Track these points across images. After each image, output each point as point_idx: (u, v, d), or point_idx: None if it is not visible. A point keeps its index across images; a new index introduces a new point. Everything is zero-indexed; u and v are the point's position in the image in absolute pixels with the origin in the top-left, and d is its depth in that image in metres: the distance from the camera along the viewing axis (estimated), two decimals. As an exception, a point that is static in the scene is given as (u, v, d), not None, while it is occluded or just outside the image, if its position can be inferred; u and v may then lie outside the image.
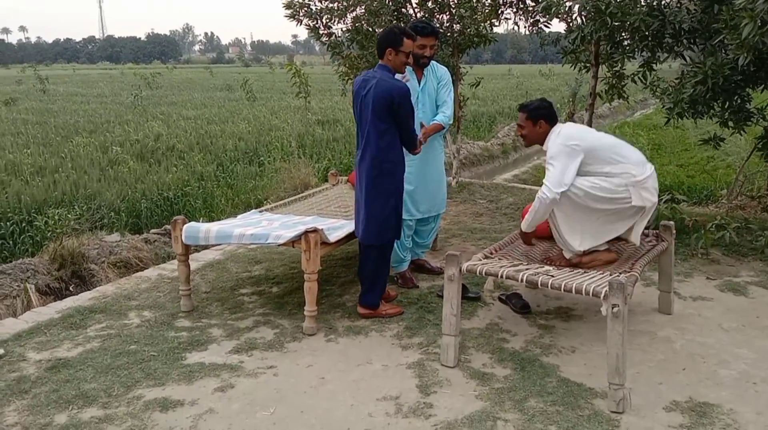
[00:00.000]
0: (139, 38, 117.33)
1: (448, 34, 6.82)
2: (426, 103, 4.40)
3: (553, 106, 3.70)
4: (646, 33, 5.20)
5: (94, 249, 6.24)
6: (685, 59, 5.66)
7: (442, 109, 4.42)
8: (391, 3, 6.57)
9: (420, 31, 4.22)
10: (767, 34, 4.19)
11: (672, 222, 4.01)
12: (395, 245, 4.35)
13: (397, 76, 3.88)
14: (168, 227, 6.93)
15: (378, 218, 3.84)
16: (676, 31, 5.04)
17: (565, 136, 3.47)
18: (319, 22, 6.87)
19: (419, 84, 4.37)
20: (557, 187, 3.35)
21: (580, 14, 5.45)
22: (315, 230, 3.69)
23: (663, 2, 5.35)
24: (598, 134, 3.60)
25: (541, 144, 3.64)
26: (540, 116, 3.58)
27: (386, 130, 3.75)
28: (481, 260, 3.53)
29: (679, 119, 5.22)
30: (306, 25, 6.94)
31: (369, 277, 3.97)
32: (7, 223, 6.96)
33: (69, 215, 6.63)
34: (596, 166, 3.42)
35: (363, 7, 6.62)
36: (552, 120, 3.61)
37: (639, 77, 5.85)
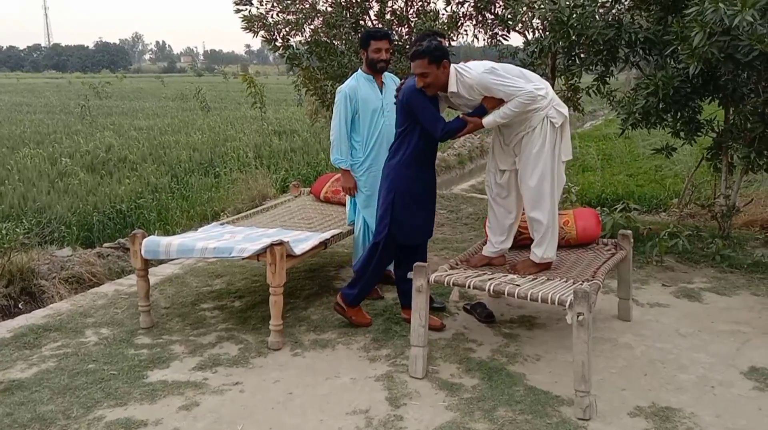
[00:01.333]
0: (87, 47, 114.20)
1: (407, 46, 6.87)
2: (390, 111, 4.31)
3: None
4: (602, 47, 5.35)
5: (45, 264, 6.01)
6: (641, 70, 5.85)
7: None
8: (349, 15, 6.58)
9: (373, 35, 4.31)
10: (716, 44, 4.37)
11: (630, 231, 4.12)
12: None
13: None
14: (122, 240, 6.75)
15: (377, 216, 3.94)
16: (631, 40, 5.20)
17: (471, 67, 3.47)
18: (276, 34, 6.81)
19: (380, 92, 4.37)
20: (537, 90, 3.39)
21: (542, 26, 5.57)
22: (281, 243, 3.65)
23: (617, 17, 5.51)
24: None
25: (444, 89, 3.55)
26: (442, 56, 3.46)
27: (401, 132, 3.80)
28: (447, 270, 3.55)
29: (633, 129, 5.39)
30: (262, 37, 6.88)
31: (357, 271, 4.02)
32: (-49, 238, 6.65)
33: (17, 229, 6.39)
34: None
35: (321, 19, 6.61)
36: (448, 56, 3.51)
37: (593, 90, 6.01)
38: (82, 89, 30.92)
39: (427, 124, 3.63)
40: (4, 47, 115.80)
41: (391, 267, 4.85)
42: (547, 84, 3.58)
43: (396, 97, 3.86)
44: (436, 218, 6.75)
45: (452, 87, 3.52)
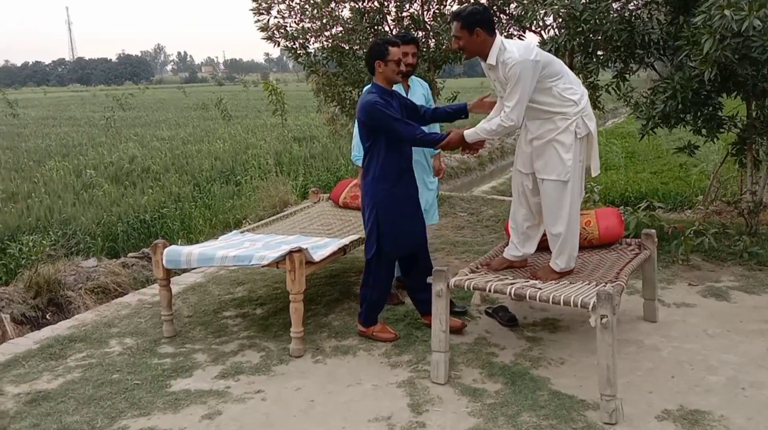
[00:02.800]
0: (110, 59, 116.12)
1: (424, 50, 6.87)
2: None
3: (489, 10, 3.51)
4: (619, 44, 5.28)
5: (71, 275, 6.10)
6: (655, 70, 5.76)
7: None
8: (366, 21, 6.59)
9: (400, 39, 4.28)
10: (728, 48, 4.29)
11: (653, 230, 4.05)
12: None
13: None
14: (146, 250, 6.82)
15: (365, 233, 3.90)
16: (645, 42, 5.13)
17: (520, 47, 3.34)
18: (296, 42, 6.86)
19: (406, 94, 4.40)
20: (519, 119, 3.31)
21: (555, 22, 5.51)
22: (299, 250, 3.65)
23: (633, 13, 5.43)
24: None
25: (483, 58, 3.42)
26: (476, 23, 3.32)
27: (369, 147, 3.77)
28: (467, 274, 3.52)
29: (654, 132, 5.31)
30: (284, 46, 6.93)
31: (362, 291, 3.99)
32: (-20, 251, 6.79)
33: (44, 241, 6.47)
34: (550, 81, 3.34)
35: (339, 25, 6.64)
36: (490, 27, 3.36)
37: (613, 88, 5.92)
38: (105, 101, 31.48)
39: (401, 131, 3.62)
40: (30, 62, 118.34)
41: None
42: (584, 92, 3.46)
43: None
44: (456, 220, 6.77)
45: (491, 59, 3.38)
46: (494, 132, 3.45)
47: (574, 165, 3.41)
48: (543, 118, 3.44)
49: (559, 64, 3.44)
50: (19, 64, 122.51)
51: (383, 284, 3.93)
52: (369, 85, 3.91)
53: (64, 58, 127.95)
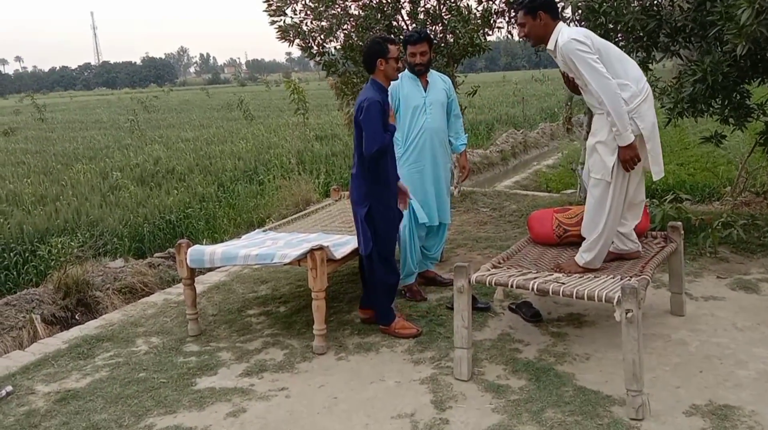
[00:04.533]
0: (135, 63, 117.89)
1: (442, 44, 6.83)
2: (434, 110, 4.42)
3: None
4: (641, 33, 5.19)
5: (99, 276, 6.21)
6: (681, 58, 5.64)
7: (461, 137, 4.69)
8: (381, 16, 6.57)
9: (408, 40, 4.37)
10: (764, 24, 4.16)
11: (680, 222, 3.97)
12: (408, 257, 4.41)
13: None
14: (172, 250, 6.90)
15: (358, 229, 3.91)
16: (672, 29, 5.02)
17: (572, 31, 3.29)
18: (311, 41, 6.86)
19: (424, 91, 4.42)
20: (613, 93, 3.17)
21: (573, 16, 5.43)
22: (321, 248, 3.66)
23: (656, 1, 5.33)
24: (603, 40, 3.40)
25: (546, 42, 3.41)
26: (538, 7, 3.33)
27: (359, 145, 3.77)
28: (489, 269, 3.49)
29: (681, 118, 5.20)
30: (298, 45, 6.93)
31: (367, 289, 4.05)
32: (11, 253, 6.94)
33: (72, 243, 6.60)
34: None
35: (353, 22, 6.62)
36: (553, 10, 3.35)
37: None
38: (130, 104, 31.93)
39: (367, 136, 3.62)
40: (58, 68, 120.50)
41: (434, 268, 4.85)
42: (642, 89, 3.32)
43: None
44: (478, 216, 6.72)
45: (550, 44, 3.38)
46: (616, 120, 3.21)
47: (618, 167, 3.34)
48: (597, 113, 3.40)
49: (616, 58, 3.33)
50: (46, 70, 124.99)
51: (389, 279, 3.93)
52: (368, 83, 3.88)
53: (90, 63, 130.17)
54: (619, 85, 3.26)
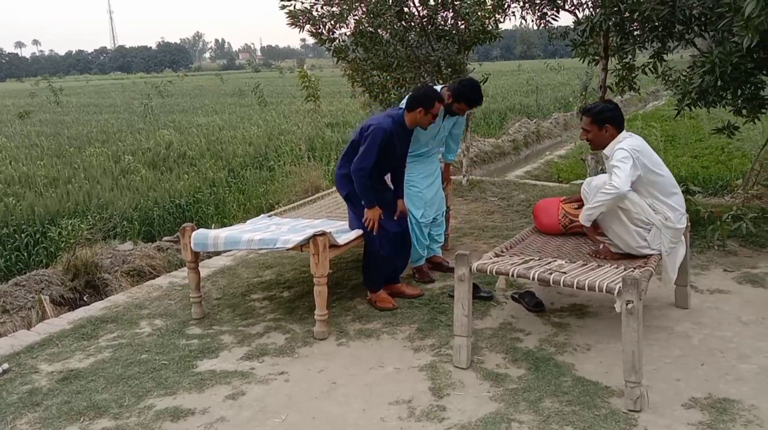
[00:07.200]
0: (150, 47, 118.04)
1: (453, 31, 6.76)
2: (440, 133, 4.65)
3: (619, 108, 3.61)
4: (657, 23, 5.11)
5: (108, 258, 6.26)
6: (695, 47, 5.55)
7: (453, 153, 4.96)
8: (392, 2, 6.51)
9: (462, 98, 4.39)
10: None
11: (687, 214, 3.92)
12: (414, 241, 4.51)
13: None
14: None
15: (352, 222, 4.21)
16: (686, 18, 4.94)
17: (634, 143, 3.44)
18: (321, 27, 6.81)
19: (442, 119, 4.54)
20: (626, 185, 3.30)
21: (589, 1, 5.35)
22: (323, 234, 3.66)
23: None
24: (659, 160, 3.55)
25: (604, 149, 3.59)
26: (606, 120, 3.51)
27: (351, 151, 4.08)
28: (491, 258, 3.48)
29: (690, 109, 5.13)
30: (308, 31, 6.89)
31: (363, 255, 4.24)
32: (22, 235, 7.01)
33: (82, 225, 6.65)
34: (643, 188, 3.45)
35: (364, 8, 6.57)
36: (618, 123, 3.53)
37: (650, 68, 5.75)
38: (145, 89, 32.05)
39: (359, 156, 3.91)
40: (74, 51, 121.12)
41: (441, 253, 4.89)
42: (674, 217, 3.55)
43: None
44: (486, 205, 6.69)
45: (607, 150, 3.54)
46: (597, 203, 3.43)
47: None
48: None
49: (655, 174, 3.45)
50: (62, 53, 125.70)
51: (378, 261, 4.13)
52: (397, 110, 4.10)
53: (105, 47, 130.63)
54: (670, 207, 3.50)
